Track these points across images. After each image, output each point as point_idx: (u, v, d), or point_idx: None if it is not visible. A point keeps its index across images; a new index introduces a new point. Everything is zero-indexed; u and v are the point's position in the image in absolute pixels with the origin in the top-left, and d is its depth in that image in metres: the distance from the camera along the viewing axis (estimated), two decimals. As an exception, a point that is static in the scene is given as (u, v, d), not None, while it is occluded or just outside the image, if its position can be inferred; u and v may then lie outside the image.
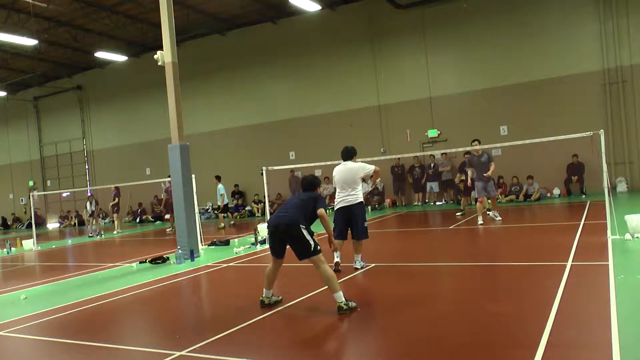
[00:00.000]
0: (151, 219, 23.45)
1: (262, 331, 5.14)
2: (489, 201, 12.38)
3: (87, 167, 27.85)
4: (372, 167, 7.56)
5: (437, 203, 18.52)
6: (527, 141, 10.26)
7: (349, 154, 7.67)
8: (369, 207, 18.55)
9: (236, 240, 12.63)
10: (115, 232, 18.53)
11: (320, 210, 5.73)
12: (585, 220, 10.63)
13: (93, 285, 8.38)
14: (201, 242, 11.35)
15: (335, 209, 7.60)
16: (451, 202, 18.24)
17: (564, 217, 13.13)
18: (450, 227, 11.94)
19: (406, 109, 19.19)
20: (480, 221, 11.66)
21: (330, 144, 19.96)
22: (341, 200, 7.47)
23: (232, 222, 18.18)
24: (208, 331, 5.08)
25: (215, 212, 18.01)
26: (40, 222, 26.07)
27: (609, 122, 16.29)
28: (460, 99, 18.45)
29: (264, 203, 13.42)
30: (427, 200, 18.80)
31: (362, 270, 7.45)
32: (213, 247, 11.88)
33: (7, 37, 16.95)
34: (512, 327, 4.55)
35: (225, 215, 17.80)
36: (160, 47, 11.04)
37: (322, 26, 20.41)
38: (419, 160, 19.05)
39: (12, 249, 15.28)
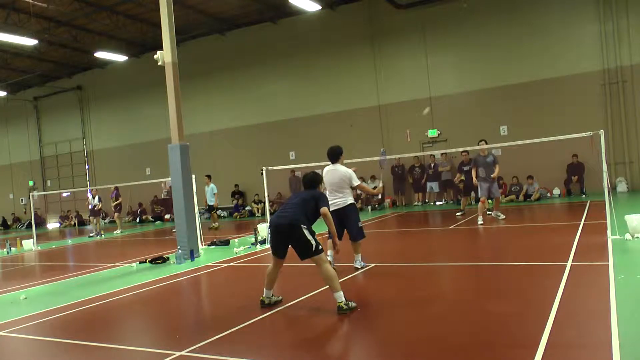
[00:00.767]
0: (151, 219, 23.45)
1: (262, 331, 5.14)
2: (489, 201, 12.38)
3: (87, 167, 27.86)
4: (358, 182, 7.41)
5: (437, 203, 18.53)
6: (527, 141, 10.27)
7: (335, 156, 7.52)
8: (369, 207, 18.56)
9: (236, 240, 12.63)
10: (116, 232, 18.53)
11: (324, 209, 5.66)
12: (585, 220, 10.63)
13: (93, 285, 8.38)
14: (201, 242, 11.36)
15: None
16: (451, 202, 18.24)
17: (564, 217, 13.13)
18: (450, 227, 11.94)
19: (406, 109, 19.19)
20: (480, 221, 11.67)
21: (330, 144, 19.96)
22: (332, 204, 7.36)
23: (214, 225, 16.84)
24: (208, 331, 5.08)
25: (207, 212, 17.81)
26: (40, 222, 26.07)
27: (609, 122, 16.29)
28: (460, 99, 18.45)
29: (264, 203, 13.42)
30: (427, 200, 18.80)
31: (362, 270, 7.45)
32: (213, 247, 11.88)
33: (7, 37, 16.94)
34: (512, 327, 4.55)
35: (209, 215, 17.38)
36: (160, 47, 11.04)
37: (322, 26, 20.41)
38: (419, 160, 19.05)
39: (12, 249, 15.28)
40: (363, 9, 19.79)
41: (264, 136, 21.88)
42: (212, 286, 8.23)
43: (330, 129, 20.06)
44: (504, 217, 12.21)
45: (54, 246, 16.45)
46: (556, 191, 16.96)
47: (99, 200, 18.57)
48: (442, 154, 17.73)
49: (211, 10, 20.27)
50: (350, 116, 20.12)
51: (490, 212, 12.62)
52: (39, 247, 15.75)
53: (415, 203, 19.09)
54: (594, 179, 15.19)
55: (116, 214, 19.23)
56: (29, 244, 15.65)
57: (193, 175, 11.02)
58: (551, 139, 9.81)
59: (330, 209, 7.39)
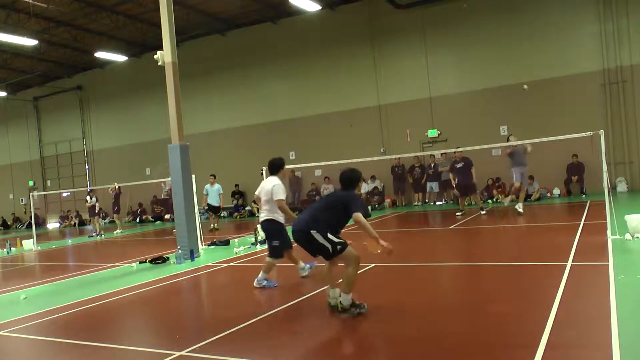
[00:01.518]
0: (151, 219, 23.45)
1: (262, 331, 5.13)
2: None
3: (87, 167, 27.85)
4: (279, 197, 6.84)
5: (437, 203, 18.52)
6: (527, 141, 10.29)
7: (274, 168, 7.19)
8: (369, 207, 18.53)
9: (236, 240, 12.63)
10: (116, 232, 18.51)
11: (355, 215, 5.10)
12: (585, 220, 10.63)
13: (93, 285, 8.38)
14: (201, 242, 11.36)
15: None
16: (451, 202, 18.23)
17: (564, 217, 13.14)
18: (450, 227, 11.94)
19: (406, 109, 19.18)
20: (520, 209, 12.42)
21: (330, 144, 20.05)
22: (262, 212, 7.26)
23: (215, 226, 16.67)
24: (208, 331, 5.08)
25: (213, 212, 17.26)
26: (40, 222, 26.06)
27: (609, 122, 16.28)
28: (460, 99, 18.45)
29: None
30: (427, 200, 18.79)
31: (362, 270, 7.43)
32: (213, 247, 11.88)
33: (7, 37, 16.95)
34: (512, 327, 4.55)
35: (214, 216, 17.04)
36: (160, 47, 11.04)
37: (322, 26, 20.40)
38: (419, 160, 19.04)
39: (12, 249, 15.28)
40: (363, 9, 19.78)
41: (264, 136, 21.86)
42: (212, 286, 8.23)
43: (330, 129, 20.05)
44: (523, 213, 12.61)
45: (54, 246, 16.45)
46: (556, 191, 16.96)
47: (96, 199, 18.51)
48: (442, 154, 17.70)
49: (211, 10, 20.27)
50: (350, 116, 20.11)
51: (482, 212, 12.80)
52: (39, 247, 15.75)
53: (415, 203, 19.08)
54: (594, 179, 15.17)
55: (115, 215, 19.19)
56: (29, 244, 15.65)
57: (193, 175, 11.02)
58: (551, 139, 9.80)
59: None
